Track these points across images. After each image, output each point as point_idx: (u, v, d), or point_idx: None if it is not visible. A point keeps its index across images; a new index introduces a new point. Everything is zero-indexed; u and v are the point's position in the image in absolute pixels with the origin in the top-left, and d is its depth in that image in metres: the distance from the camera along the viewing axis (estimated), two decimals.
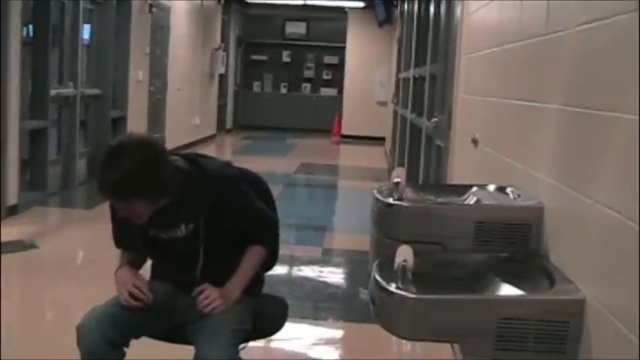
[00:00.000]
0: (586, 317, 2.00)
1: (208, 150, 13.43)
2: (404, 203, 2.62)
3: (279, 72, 20.36)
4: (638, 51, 1.76)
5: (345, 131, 17.65)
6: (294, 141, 17.32)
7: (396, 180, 2.66)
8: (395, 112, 11.71)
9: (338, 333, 4.83)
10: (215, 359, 2.60)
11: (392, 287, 2.07)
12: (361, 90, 18.22)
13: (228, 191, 2.79)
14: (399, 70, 11.51)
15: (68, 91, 8.77)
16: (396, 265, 2.06)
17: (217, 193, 2.75)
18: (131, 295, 2.72)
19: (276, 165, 12.49)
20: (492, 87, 3.59)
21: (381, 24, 16.44)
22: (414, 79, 8.25)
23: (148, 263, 3.00)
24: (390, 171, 10.51)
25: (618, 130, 1.87)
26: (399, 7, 13.02)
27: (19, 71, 7.24)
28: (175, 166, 2.71)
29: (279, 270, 5.13)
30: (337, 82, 19.50)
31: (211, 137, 16.14)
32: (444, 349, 3.55)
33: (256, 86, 20.43)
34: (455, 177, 4.53)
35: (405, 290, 2.05)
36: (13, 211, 7.18)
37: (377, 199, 2.68)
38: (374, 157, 14.50)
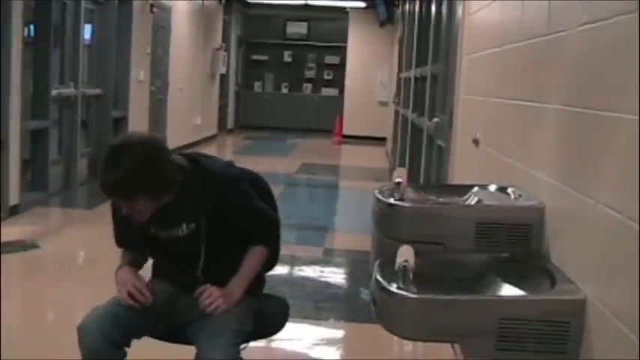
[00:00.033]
0: (587, 317, 2.00)
1: (209, 150, 13.43)
2: (405, 203, 2.62)
3: (281, 72, 20.36)
4: (638, 51, 1.76)
5: (346, 131, 17.64)
6: (295, 141, 17.33)
7: (397, 180, 2.67)
8: (396, 112, 11.71)
9: (339, 333, 4.83)
10: (216, 359, 2.61)
11: (393, 287, 2.07)
12: (362, 90, 18.21)
13: (230, 191, 2.79)
14: (400, 70, 11.51)
15: (69, 91, 8.77)
16: (397, 266, 2.06)
17: (219, 192, 2.75)
18: (130, 295, 2.73)
19: (278, 165, 12.49)
20: (493, 87, 3.59)
21: (382, 24, 16.43)
22: (415, 79, 8.25)
23: (149, 263, 3.00)
24: (391, 171, 10.51)
25: (619, 131, 1.87)
26: (400, 7, 13.02)
27: (21, 71, 7.24)
28: (177, 165, 2.71)
29: (280, 270, 5.14)
30: (338, 82, 19.50)
31: (212, 137, 16.14)
32: (445, 350, 3.55)
33: (257, 86, 20.43)
34: (456, 177, 4.53)
35: (406, 290, 2.05)
36: (14, 211, 7.19)
37: (378, 200, 2.68)
38: (375, 157, 14.50)
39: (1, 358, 3.69)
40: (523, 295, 2.23)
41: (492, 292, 2.28)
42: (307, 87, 20.35)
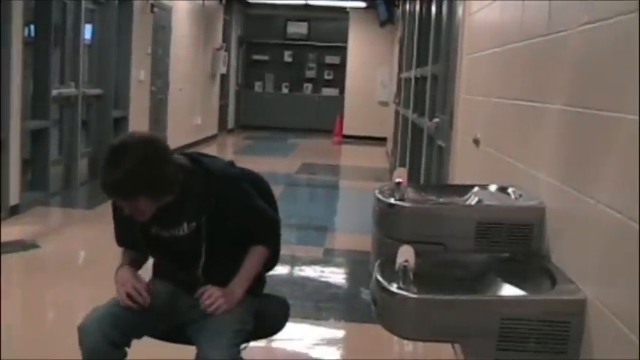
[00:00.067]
0: (587, 317, 2.00)
1: (210, 150, 13.43)
2: (405, 203, 2.62)
3: (281, 72, 20.37)
4: (638, 51, 1.76)
5: (346, 131, 17.64)
6: (295, 141, 17.33)
7: (397, 180, 2.66)
8: (396, 113, 11.71)
9: (339, 333, 4.83)
10: (217, 359, 2.61)
11: (393, 287, 2.07)
12: (363, 90, 18.21)
13: (231, 190, 2.79)
14: (400, 70, 11.51)
15: (70, 91, 8.77)
16: (397, 266, 2.06)
17: (220, 192, 2.75)
18: (129, 296, 2.73)
19: (278, 165, 12.49)
20: (494, 87, 3.59)
21: (382, 24, 16.44)
22: (416, 79, 8.25)
23: (150, 263, 3.01)
24: (391, 171, 10.51)
25: (619, 131, 1.87)
26: (400, 7, 13.02)
27: (21, 71, 7.25)
28: (178, 164, 2.71)
29: (280, 270, 5.14)
30: (339, 82, 19.50)
31: (213, 137, 16.14)
32: (446, 350, 3.55)
33: (258, 86, 20.43)
34: (456, 177, 4.53)
35: (407, 290, 2.05)
36: (14, 210, 7.19)
37: (378, 200, 2.68)
38: (375, 158, 14.50)
39: (1, 358, 3.69)
40: (523, 295, 2.23)
41: (493, 292, 2.28)
42: (308, 87, 20.35)
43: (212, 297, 2.75)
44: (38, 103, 7.97)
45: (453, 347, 3.20)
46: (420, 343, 4.32)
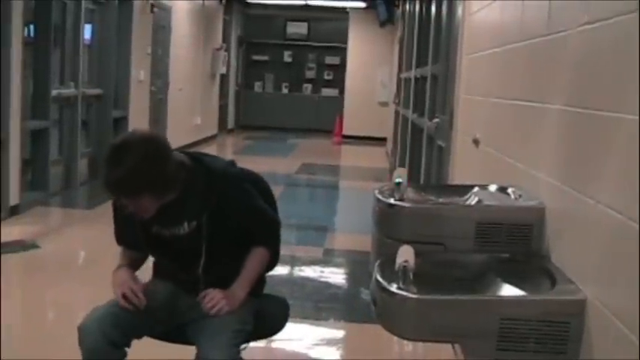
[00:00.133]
0: (587, 318, 2.00)
1: (210, 150, 13.43)
2: (405, 204, 2.62)
3: (281, 72, 20.37)
4: (638, 51, 1.76)
5: (346, 131, 17.64)
6: (295, 141, 17.33)
7: (397, 180, 2.66)
8: (396, 113, 11.71)
9: (339, 333, 4.83)
10: (217, 359, 2.61)
11: (393, 287, 2.07)
12: (362, 90, 18.21)
13: (232, 190, 2.80)
14: (400, 71, 11.52)
15: (69, 91, 8.77)
16: (397, 266, 2.06)
17: (221, 190, 2.76)
18: (125, 297, 2.73)
19: (278, 165, 12.49)
20: (494, 87, 3.59)
21: (382, 24, 16.44)
22: (416, 79, 8.25)
23: (149, 263, 3.01)
24: (391, 171, 10.52)
25: (619, 131, 1.87)
26: (400, 8, 13.02)
27: (21, 71, 7.24)
28: (179, 162, 2.72)
29: (280, 270, 5.13)
30: (338, 82, 19.50)
31: (212, 137, 16.14)
32: (445, 350, 3.55)
33: (257, 86, 20.43)
34: (456, 177, 4.53)
35: (406, 290, 2.05)
36: (14, 211, 7.19)
37: (378, 200, 2.68)
38: (375, 158, 14.50)
39: (1, 358, 3.69)
40: (523, 296, 2.23)
41: (492, 292, 2.28)
42: (307, 87, 20.35)
43: (214, 300, 2.75)
44: (38, 103, 7.97)
45: (453, 347, 3.20)
46: (420, 344, 4.32)
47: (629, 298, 1.73)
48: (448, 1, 5.67)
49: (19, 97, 7.23)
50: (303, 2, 17.48)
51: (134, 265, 2.92)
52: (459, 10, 4.80)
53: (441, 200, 2.97)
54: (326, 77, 20.20)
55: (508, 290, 2.26)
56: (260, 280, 2.98)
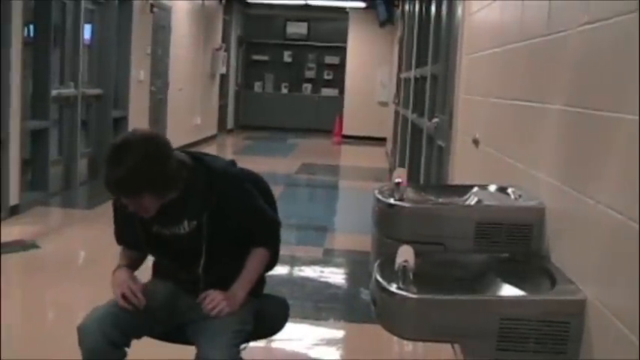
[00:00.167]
0: (587, 318, 2.00)
1: (209, 150, 13.43)
2: (405, 204, 2.62)
3: (281, 72, 20.36)
4: (638, 51, 1.76)
5: (346, 131, 17.64)
6: (295, 141, 17.33)
7: (397, 180, 2.66)
8: (396, 113, 11.71)
9: (339, 333, 4.83)
10: (217, 359, 2.61)
11: (393, 287, 2.07)
12: (362, 90, 18.22)
13: (232, 189, 2.80)
14: (400, 71, 11.52)
15: (69, 91, 8.77)
16: (397, 266, 2.06)
17: (222, 190, 2.76)
18: (124, 297, 2.73)
19: (278, 165, 12.49)
20: (494, 87, 3.59)
21: (382, 24, 16.44)
22: (415, 79, 8.25)
23: (149, 263, 3.01)
24: (391, 171, 10.52)
25: (619, 131, 1.87)
26: (400, 8, 13.02)
27: (21, 71, 7.24)
28: (180, 161, 2.72)
29: (280, 270, 5.14)
30: (338, 82, 19.50)
31: (212, 137, 16.14)
32: (445, 350, 3.55)
33: (257, 86, 20.43)
34: (456, 177, 4.53)
35: (406, 290, 2.05)
36: (14, 211, 7.19)
37: (378, 200, 2.68)
38: (375, 158, 14.50)
39: (1, 358, 3.69)
40: (523, 296, 2.23)
41: (492, 292, 2.28)
42: (307, 87, 20.35)
43: (214, 301, 2.75)
44: (38, 103, 7.97)
45: (453, 347, 3.20)
46: (420, 344, 4.32)
47: (629, 298, 1.73)
48: (448, 1, 5.67)
49: (19, 97, 7.23)
50: (303, 2, 17.48)
51: (133, 265, 2.92)
52: (459, 10, 4.80)
53: (440, 200, 2.97)
54: (326, 77, 20.21)
55: (508, 290, 2.26)
56: (260, 280, 2.98)
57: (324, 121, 18.73)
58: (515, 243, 2.48)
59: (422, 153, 6.57)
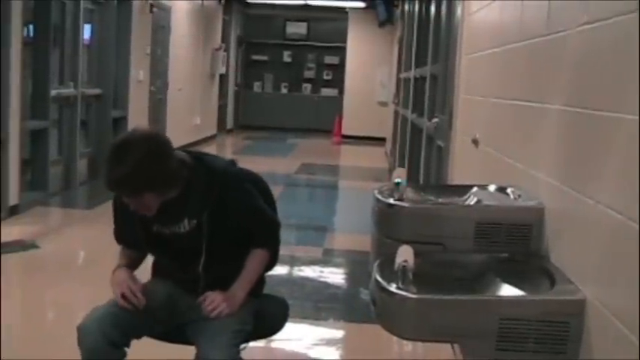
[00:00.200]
0: (587, 318, 2.00)
1: (209, 150, 13.41)
2: (404, 204, 2.62)
3: (280, 72, 20.36)
4: (638, 51, 1.76)
5: (345, 131, 17.64)
6: (294, 141, 17.33)
7: (396, 180, 2.66)
8: (396, 113, 11.71)
9: (339, 333, 4.83)
10: (216, 359, 2.61)
11: (392, 287, 2.07)
12: (362, 90, 18.21)
13: (232, 189, 2.80)
14: (399, 71, 11.52)
15: (69, 91, 8.77)
16: (396, 266, 2.06)
17: (222, 189, 2.76)
18: (123, 297, 2.73)
19: (277, 165, 12.49)
20: (493, 87, 3.59)
21: (381, 24, 16.44)
22: (415, 79, 8.25)
23: (149, 263, 3.01)
24: (390, 171, 10.52)
25: (619, 131, 1.87)
26: (399, 8, 13.02)
27: (20, 71, 7.24)
28: (180, 160, 2.72)
29: (279, 270, 5.14)
30: (338, 82, 19.50)
31: (212, 137, 16.14)
32: (445, 350, 3.55)
33: (257, 86, 20.43)
34: (455, 177, 4.53)
35: (406, 290, 2.05)
36: (14, 211, 7.18)
37: (378, 200, 2.68)
38: (375, 158, 14.50)
39: (1, 358, 3.69)
40: (523, 296, 2.23)
41: (492, 292, 2.28)
42: (307, 87, 20.35)
43: (214, 302, 2.75)
44: (37, 103, 7.97)
45: (452, 347, 3.20)
46: (420, 344, 4.32)
47: (629, 298, 1.73)
48: (447, 1, 5.67)
49: (19, 97, 7.23)
50: (303, 2, 17.47)
51: (133, 264, 2.92)
52: (459, 10, 4.80)
53: (440, 200, 2.97)
54: (325, 77, 20.20)
55: (507, 290, 2.26)
56: (260, 281, 2.98)
57: (323, 121, 18.73)
58: (515, 243, 2.48)
59: (421, 153, 6.57)
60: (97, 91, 9.62)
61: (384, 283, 2.11)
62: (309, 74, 20.33)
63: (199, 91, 14.87)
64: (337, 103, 18.91)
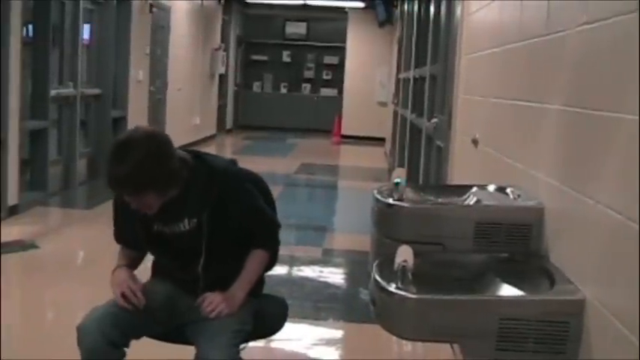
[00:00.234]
0: (586, 318, 2.00)
1: (209, 150, 13.37)
2: (404, 204, 2.62)
3: (280, 72, 20.36)
4: (638, 51, 1.76)
5: (345, 131, 17.64)
6: (294, 141, 17.33)
7: (396, 180, 2.66)
8: (395, 113, 11.71)
9: (338, 333, 4.83)
10: (216, 359, 2.61)
11: (392, 287, 2.07)
12: (361, 90, 18.21)
13: (233, 188, 2.81)
14: (399, 71, 11.52)
15: (68, 91, 8.77)
16: (396, 266, 2.06)
17: (222, 188, 2.77)
18: (123, 296, 2.73)
19: (277, 165, 12.49)
20: (493, 87, 3.59)
21: (381, 24, 16.44)
22: (414, 79, 8.25)
23: (149, 263, 3.01)
24: (390, 171, 10.51)
25: (619, 131, 1.87)
26: (399, 8, 13.02)
27: (20, 71, 7.24)
28: (182, 159, 2.72)
29: (279, 270, 5.14)
30: (337, 82, 19.50)
31: (211, 137, 16.14)
32: (444, 350, 3.55)
33: (256, 86, 20.43)
34: (455, 177, 4.53)
35: (405, 290, 2.05)
36: (13, 211, 7.18)
37: (377, 200, 2.68)
38: (374, 158, 14.50)
39: (1, 358, 3.69)
40: (522, 296, 2.23)
41: (492, 292, 2.28)
42: (306, 87, 20.35)
43: (213, 303, 2.75)
44: (37, 103, 7.97)
45: (452, 347, 3.20)
46: (419, 344, 4.32)
47: (629, 298, 1.73)
48: (447, 1, 5.67)
49: (18, 97, 7.22)
50: (302, 2, 17.47)
51: (132, 264, 2.92)
52: (458, 10, 4.80)
53: (439, 200, 2.97)
54: (325, 77, 20.21)
55: (507, 290, 2.26)
56: (259, 281, 2.98)
57: (323, 121, 18.73)
58: (515, 243, 2.48)
59: (421, 153, 6.57)
60: (96, 91, 9.62)
61: (383, 283, 2.11)
62: (308, 74, 20.34)
63: (199, 91, 14.87)
64: (337, 103, 18.91)
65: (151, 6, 11.16)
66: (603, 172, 1.97)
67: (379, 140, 16.33)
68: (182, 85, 13.37)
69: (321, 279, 5.85)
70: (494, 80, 3.58)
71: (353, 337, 4.72)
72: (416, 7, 8.69)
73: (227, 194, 2.77)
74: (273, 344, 4.19)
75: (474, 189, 2.92)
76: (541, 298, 2.14)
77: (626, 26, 1.84)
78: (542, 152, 2.57)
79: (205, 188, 2.75)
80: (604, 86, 2.02)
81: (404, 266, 2.05)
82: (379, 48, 17.56)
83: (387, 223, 2.70)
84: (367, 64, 18.13)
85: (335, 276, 6.04)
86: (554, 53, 2.50)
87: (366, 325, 4.45)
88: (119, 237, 2.96)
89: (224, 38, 16.91)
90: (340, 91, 19.20)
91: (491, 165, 3.45)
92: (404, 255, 2.08)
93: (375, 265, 2.26)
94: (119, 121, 10.14)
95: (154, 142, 2.62)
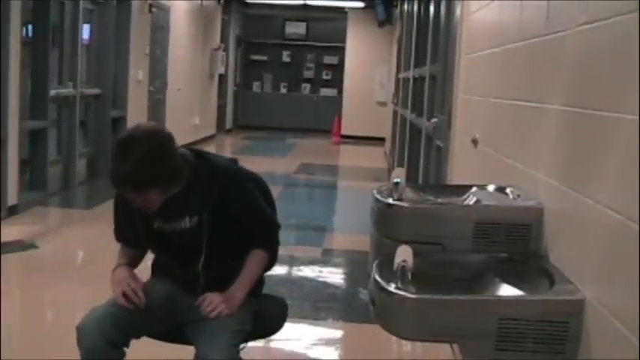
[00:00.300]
0: (586, 318, 2.00)
1: (208, 150, 13.40)
2: (404, 203, 2.62)
3: (279, 72, 20.37)
4: (638, 51, 1.76)
5: (344, 131, 17.65)
6: (293, 141, 17.33)
7: (395, 180, 2.66)
8: (395, 113, 11.71)
9: (338, 333, 4.83)
10: (216, 359, 2.61)
11: (391, 287, 2.07)
12: (361, 90, 18.22)
13: (234, 186, 2.81)
14: (398, 71, 11.51)
15: (68, 91, 8.77)
16: (395, 266, 2.06)
17: (223, 187, 2.77)
18: (124, 295, 2.73)
19: (276, 165, 12.49)
20: (492, 87, 3.59)
21: (380, 24, 16.44)
22: (414, 79, 8.25)
23: (148, 263, 3.01)
24: (389, 171, 10.51)
25: (619, 131, 1.87)
26: (398, 8, 13.02)
27: (19, 71, 7.24)
28: (183, 156, 2.73)
29: (279, 270, 5.14)
30: (337, 82, 19.51)
31: (211, 137, 16.14)
32: (444, 350, 3.55)
33: (256, 86, 20.43)
34: (455, 177, 4.53)
35: (405, 290, 2.05)
36: (13, 211, 7.18)
37: (377, 200, 2.68)
38: (374, 158, 14.50)
39: (1, 358, 3.69)
40: (522, 296, 2.23)
41: (491, 292, 2.28)
42: (306, 87, 20.35)
43: (213, 303, 2.75)
44: (36, 103, 7.97)
45: (452, 347, 3.20)
46: (419, 343, 4.32)
47: (628, 298, 1.73)
48: (447, 1, 5.67)
49: (18, 97, 7.23)
50: (302, 2, 17.47)
51: (133, 263, 2.92)
52: (458, 10, 4.80)
53: (439, 200, 2.97)
54: (324, 77, 20.21)
55: (506, 290, 2.26)
56: (259, 281, 2.98)
57: (322, 121, 18.74)
58: (514, 243, 2.48)
59: (420, 153, 6.57)
60: (96, 91, 9.62)
61: (383, 283, 2.11)
62: (308, 74, 20.34)
63: (198, 91, 14.87)
64: (336, 103, 18.91)
65: (151, 6, 11.16)
66: (603, 172, 1.97)
67: (379, 140, 16.33)
68: (182, 85, 13.37)
69: (321, 279, 5.85)
70: (494, 80, 3.58)
71: (352, 337, 4.72)
72: (415, 7, 8.69)
73: (227, 193, 2.77)
74: (273, 344, 4.19)
75: (474, 189, 2.92)
76: (540, 298, 2.13)
77: (625, 26, 1.84)
78: (542, 152, 2.57)
79: (206, 186, 2.76)
80: (604, 86, 2.02)
81: (403, 266, 2.05)
82: (379, 48, 17.57)
83: (387, 223, 2.70)
84: (367, 64, 18.14)
85: (334, 276, 6.04)
86: (554, 53, 2.50)
87: (366, 325, 4.45)
88: (119, 235, 2.96)
89: (224, 38, 16.92)
90: (340, 91, 19.21)
91: (491, 165, 3.44)
92: (403, 255, 2.08)
93: (374, 265, 2.26)
94: (119, 121, 10.15)
95: (156, 139, 2.62)
